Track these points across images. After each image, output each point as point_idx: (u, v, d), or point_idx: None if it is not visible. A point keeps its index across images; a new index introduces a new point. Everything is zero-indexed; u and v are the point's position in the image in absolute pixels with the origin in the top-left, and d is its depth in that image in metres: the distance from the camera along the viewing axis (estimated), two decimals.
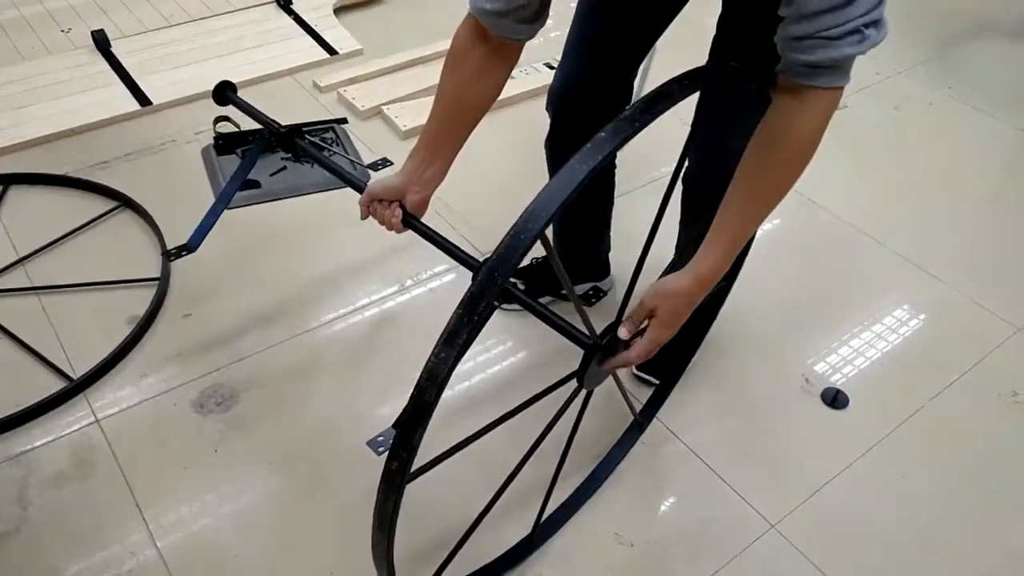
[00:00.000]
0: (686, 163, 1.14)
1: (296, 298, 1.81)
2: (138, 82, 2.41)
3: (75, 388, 1.56)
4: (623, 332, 1.07)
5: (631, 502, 1.47)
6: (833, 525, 1.45)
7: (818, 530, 1.43)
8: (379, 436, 1.23)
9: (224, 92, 1.64)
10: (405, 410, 0.82)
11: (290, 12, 2.81)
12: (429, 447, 0.86)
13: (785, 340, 1.78)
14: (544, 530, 1.39)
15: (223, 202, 1.66)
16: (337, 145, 2.27)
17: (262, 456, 1.49)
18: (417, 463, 0.85)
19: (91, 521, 1.38)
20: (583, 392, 1.18)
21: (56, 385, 1.56)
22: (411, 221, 1.27)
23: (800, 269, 1.97)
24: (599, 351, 1.09)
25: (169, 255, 1.62)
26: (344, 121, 2.33)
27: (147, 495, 1.42)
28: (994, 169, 2.39)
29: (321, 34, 2.71)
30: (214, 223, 1.65)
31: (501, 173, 2.17)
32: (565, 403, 1.16)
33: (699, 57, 1.21)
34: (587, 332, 1.09)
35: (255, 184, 2.11)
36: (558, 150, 1.56)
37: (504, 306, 1.72)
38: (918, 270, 1.98)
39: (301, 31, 2.74)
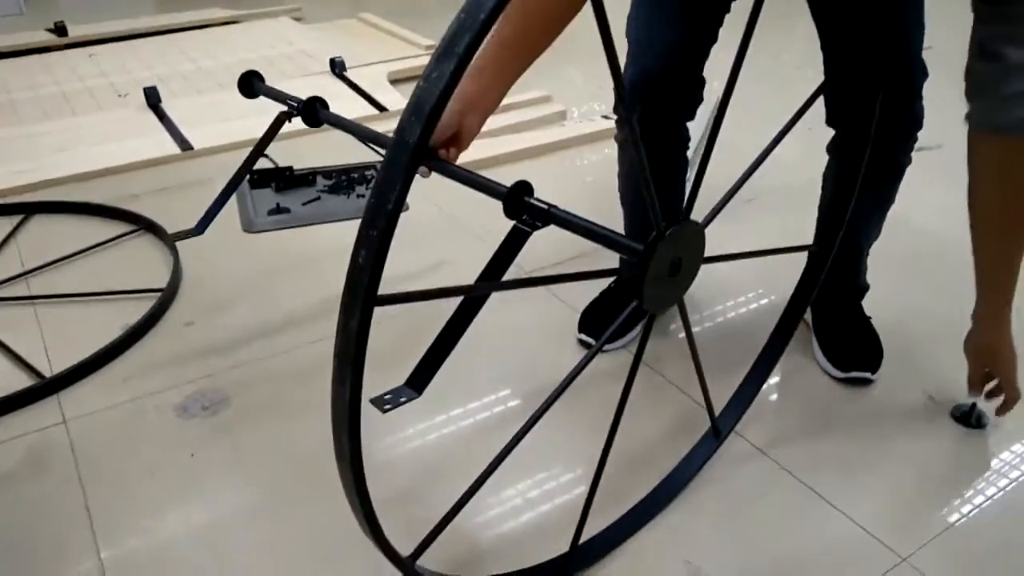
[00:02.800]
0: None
1: (306, 313, 1.59)
2: (183, 132, 2.36)
3: (45, 387, 1.35)
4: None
5: (705, 524, 1.12)
6: (982, 559, 1.06)
7: (965, 564, 1.05)
8: (386, 394, 0.96)
9: (250, 80, 1.53)
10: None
11: (344, 79, 2.80)
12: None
13: (904, 351, 1.44)
14: (593, 551, 1.06)
15: (232, 187, 1.51)
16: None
17: (242, 465, 1.22)
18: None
19: (29, 526, 1.11)
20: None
21: (26, 384, 1.35)
22: (442, 166, 1.05)
23: (922, 286, 1.65)
24: (664, 242, 0.82)
25: (176, 237, 1.50)
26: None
27: (102, 501, 1.16)
28: None
29: (373, 95, 2.67)
30: (220, 209, 1.51)
31: None
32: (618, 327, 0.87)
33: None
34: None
35: (286, 210, 1.97)
36: (642, 143, 1.33)
37: (606, 347, 1.47)
38: None
39: (354, 94, 2.70)
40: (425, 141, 0.56)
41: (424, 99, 0.55)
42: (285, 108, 1.38)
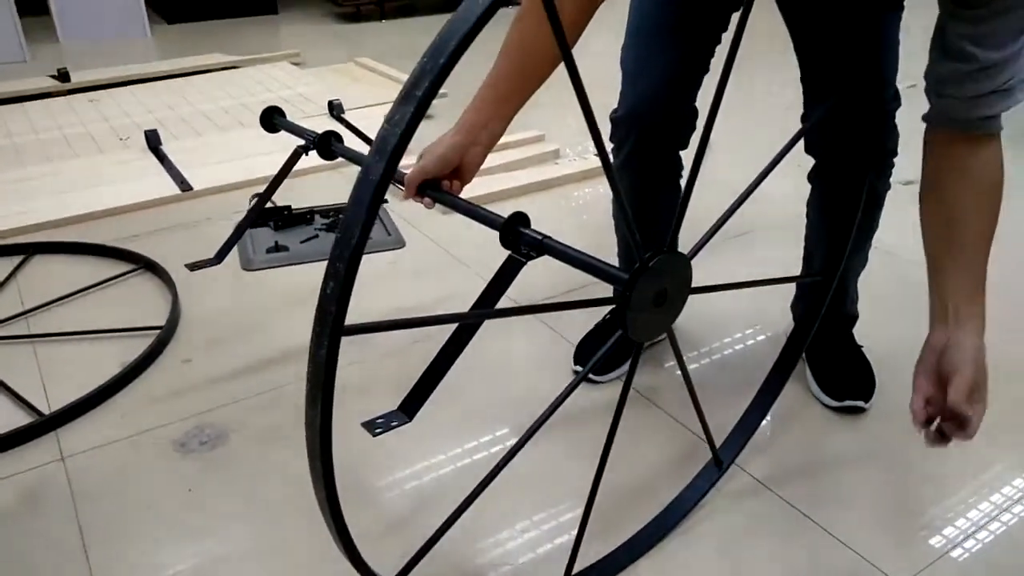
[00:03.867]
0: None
1: (303, 349, 1.56)
2: (183, 173, 2.39)
3: (43, 425, 1.35)
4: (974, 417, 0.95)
5: (705, 555, 1.12)
6: None
7: None
8: (378, 418, 0.97)
9: (271, 117, 1.58)
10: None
11: (342, 121, 2.84)
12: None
13: (896, 379, 1.45)
14: None
15: (249, 219, 1.58)
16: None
17: (240, 500, 1.22)
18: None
19: (26, 563, 1.11)
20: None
21: (26, 422, 1.36)
22: (443, 197, 1.07)
23: (913, 315, 1.67)
24: (648, 273, 0.84)
25: (194, 267, 1.54)
26: (384, 201, 2.27)
27: (99, 537, 1.15)
28: None
29: (371, 136, 2.71)
30: (237, 240, 1.58)
31: None
32: (603, 354, 0.88)
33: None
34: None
35: (284, 248, 1.99)
36: (635, 173, 1.35)
37: (598, 379, 1.48)
38: None
39: (353, 136, 2.74)
40: (387, 180, 0.58)
41: (387, 140, 0.57)
42: (299, 144, 1.44)
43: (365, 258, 1.97)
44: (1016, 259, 1.94)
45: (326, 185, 2.40)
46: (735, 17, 1.21)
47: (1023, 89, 0.91)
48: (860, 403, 1.37)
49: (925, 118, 0.98)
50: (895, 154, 1.27)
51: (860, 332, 1.51)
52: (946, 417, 0.95)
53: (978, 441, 1.31)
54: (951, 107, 0.93)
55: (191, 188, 2.31)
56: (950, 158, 0.97)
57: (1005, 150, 0.96)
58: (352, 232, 0.59)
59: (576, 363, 1.50)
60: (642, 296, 0.85)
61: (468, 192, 1.06)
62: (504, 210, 0.94)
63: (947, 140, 0.97)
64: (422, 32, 4.78)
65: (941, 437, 0.96)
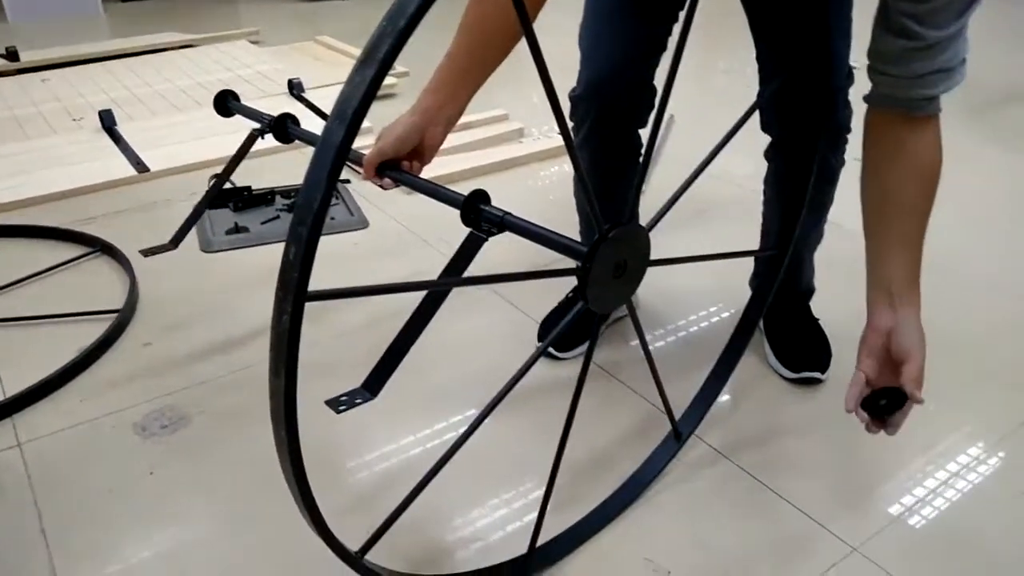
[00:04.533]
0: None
1: (264, 331, 1.54)
2: (139, 154, 2.35)
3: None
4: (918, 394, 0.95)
5: (666, 524, 1.14)
6: (930, 546, 1.10)
7: (912, 552, 1.09)
8: (342, 396, 0.97)
9: (225, 100, 1.55)
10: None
11: (303, 100, 2.80)
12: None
13: (852, 351, 1.49)
14: (553, 551, 1.07)
15: (205, 202, 1.56)
16: (338, 198, 2.15)
17: (203, 482, 1.22)
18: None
19: None
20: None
21: None
22: (402, 176, 1.06)
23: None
24: (607, 244, 0.85)
25: (149, 252, 1.52)
26: (347, 181, 2.26)
27: (58, 523, 1.14)
28: None
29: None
30: (194, 224, 1.56)
31: None
32: (565, 325, 0.89)
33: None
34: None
35: (244, 230, 1.97)
36: (595, 150, 1.36)
37: (561, 355, 1.49)
38: (993, 290, 1.70)
39: (312, 114, 2.71)
40: (348, 143, 0.58)
41: (347, 103, 0.57)
42: (254, 127, 1.41)
43: (329, 239, 1.98)
44: (951, 226, 1.99)
45: (287, 165, 2.37)
46: None
47: (963, 70, 0.92)
48: (816, 374, 1.40)
49: (866, 99, 0.99)
50: (849, 131, 1.29)
51: (817, 306, 1.54)
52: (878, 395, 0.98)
53: (932, 412, 1.36)
54: (893, 85, 0.94)
55: (148, 169, 2.27)
56: (890, 140, 0.98)
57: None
58: (314, 197, 0.59)
59: (540, 340, 1.52)
60: (602, 267, 0.86)
61: (433, 172, 1.06)
62: (469, 189, 0.95)
63: (887, 121, 0.98)
64: (384, 11, 4.72)
65: (878, 421, 0.98)
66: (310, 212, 0.58)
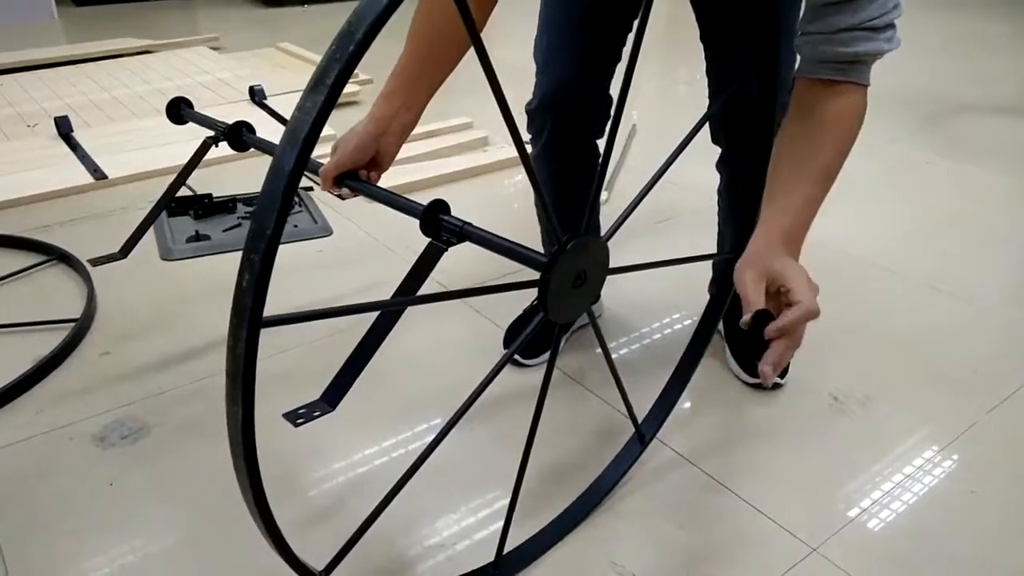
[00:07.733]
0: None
1: (225, 340, 1.57)
2: (97, 161, 2.31)
3: None
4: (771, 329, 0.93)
5: (630, 527, 1.16)
6: (886, 546, 1.13)
7: (870, 552, 1.11)
8: (300, 408, 0.97)
9: (178, 108, 1.52)
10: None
11: (264, 107, 2.78)
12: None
13: (809, 355, 1.52)
14: (520, 558, 1.08)
15: (157, 212, 1.51)
16: (302, 206, 2.14)
17: (164, 493, 1.20)
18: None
19: None
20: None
21: None
22: (361, 186, 1.06)
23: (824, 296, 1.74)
24: (566, 255, 0.86)
25: (96, 261, 1.48)
26: (309, 189, 2.25)
27: (13, 536, 1.11)
28: (992, 205, 2.22)
29: None
30: (144, 233, 1.52)
31: None
32: (527, 336, 0.90)
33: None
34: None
35: (205, 238, 1.94)
36: (554, 160, 1.37)
37: (526, 362, 1.50)
38: (941, 293, 1.76)
39: (275, 121, 2.69)
40: (299, 170, 0.57)
41: (298, 128, 0.57)
42: (208, 135, 1.38)
43: (292, 247, 1.96)
44: (904, 231, 2.05)
45: (248, 172, 2.35)
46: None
47: (891, 35, 0.88)
48: (776, 379, 1.43)
49: (795, 72, 0.96)
50: None
51: None
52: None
53: (887, 414, 1.39)
54: (816, 44, 0.90)
55: (105, 176, 2.23)
56: (811, 102, 0.94)
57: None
58: (267, 223, 0.58)
59: (506, 346, 1.52)
60: (561, 278, 0.87)
61: (396, 180, 1.06)
62: (432, 198, 0.95)
63: (809, 85, 0.94)
64: (344, 19, 4.71)
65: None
66: (263, 239, 0.58)
